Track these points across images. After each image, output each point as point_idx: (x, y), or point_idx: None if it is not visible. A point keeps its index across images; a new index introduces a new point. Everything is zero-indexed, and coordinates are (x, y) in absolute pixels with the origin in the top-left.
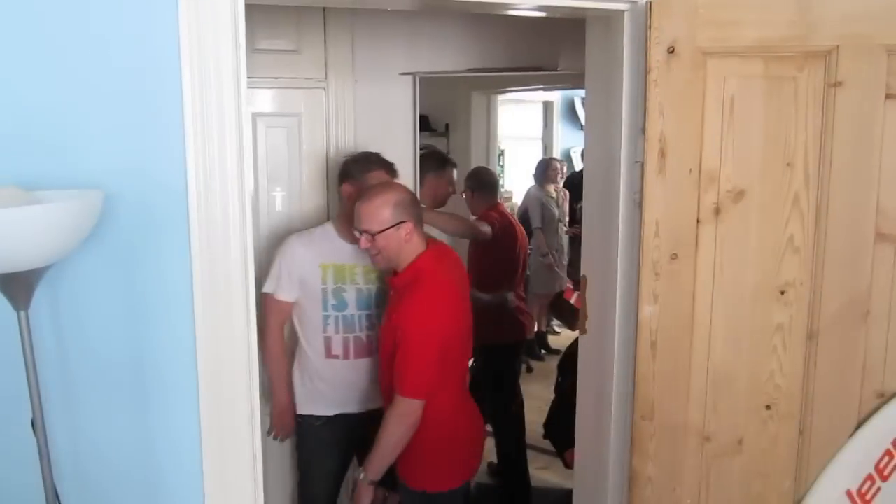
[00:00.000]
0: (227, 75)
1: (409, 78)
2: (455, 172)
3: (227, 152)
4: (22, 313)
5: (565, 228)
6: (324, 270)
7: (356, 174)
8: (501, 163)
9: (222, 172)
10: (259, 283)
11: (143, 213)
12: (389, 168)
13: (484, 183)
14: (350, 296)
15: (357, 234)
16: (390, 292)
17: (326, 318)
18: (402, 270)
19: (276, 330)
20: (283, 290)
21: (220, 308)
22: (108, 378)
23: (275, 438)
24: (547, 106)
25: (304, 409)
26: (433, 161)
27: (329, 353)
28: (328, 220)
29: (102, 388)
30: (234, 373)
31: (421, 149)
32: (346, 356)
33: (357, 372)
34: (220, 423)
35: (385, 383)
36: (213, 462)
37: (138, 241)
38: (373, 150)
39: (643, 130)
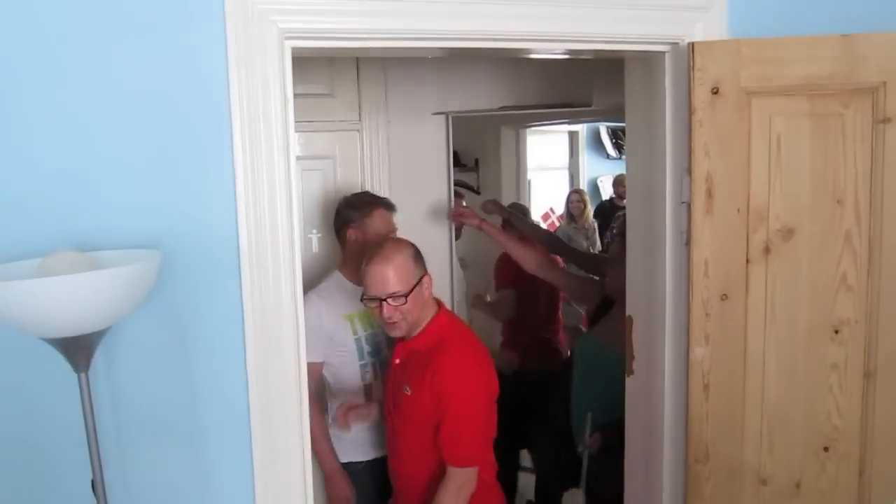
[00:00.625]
0: (277, 130)
1: (442, 117)
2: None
3: (278, 205)
4: (82, 375)
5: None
6: (350, 321)
7: (357, 217)
8: (529, 193)
9: (272, 224)
10: None
11: (195, 268)
12: (387, 204)
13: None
14: (381, 338)
15: (373, 303)
16: (395, 360)
17: (364, 366)
18: (420, 332)
19: (311, 394)
20: (312, 351)
21: (273, 360)
22: (163, 435)
23: None
24: (572, 136)
25: (344, 457)
26: None
27: (370, 401)
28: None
29: (158, 445)
30: (286, 424)
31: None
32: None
33: None
34: (274, 478)
35: (419, 456)
36: None
37: (191, 295)
38: (407, 188)
39: (689, 171)
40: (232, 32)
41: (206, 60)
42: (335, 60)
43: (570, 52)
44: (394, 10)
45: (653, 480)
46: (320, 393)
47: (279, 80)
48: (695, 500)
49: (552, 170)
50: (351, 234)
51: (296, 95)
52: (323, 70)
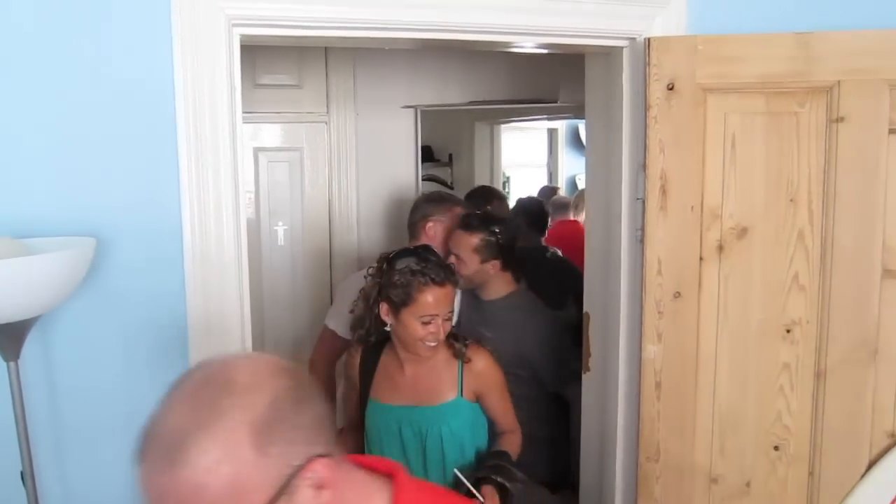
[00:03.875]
0: (223, 119)
1: (411, 111)
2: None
3: (223, 195)
4: (11, 364)
5: None
6: None
7: (438, 212)
8: (507, 190)
9: (217, 214)
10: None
11: (138, 254)
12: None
13: None
14: None
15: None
16: None
17: None
18: None
19: (327, 363)
20: (346, 327)
21: (216, 348)
22: (101, 425)
23: None
24: (552, 133)
25: None
26: None
27: None
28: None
29: (95, 435)
30: None
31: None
32: None
33: None
34: None
35: None
36: None
37: (134, 285)
38: (374, 181)
39: (644, 167)
40: (177, 18)
41: (150, 46)
42: (304, 51)
43: (534, 45)
44: None
45: (606, 477)
46: (328, 373)
47: (226, 68)
48: (645, 497)
49: (532, 167)
50: (430, 227)
51: (263, 86)
52: (291, 61)
